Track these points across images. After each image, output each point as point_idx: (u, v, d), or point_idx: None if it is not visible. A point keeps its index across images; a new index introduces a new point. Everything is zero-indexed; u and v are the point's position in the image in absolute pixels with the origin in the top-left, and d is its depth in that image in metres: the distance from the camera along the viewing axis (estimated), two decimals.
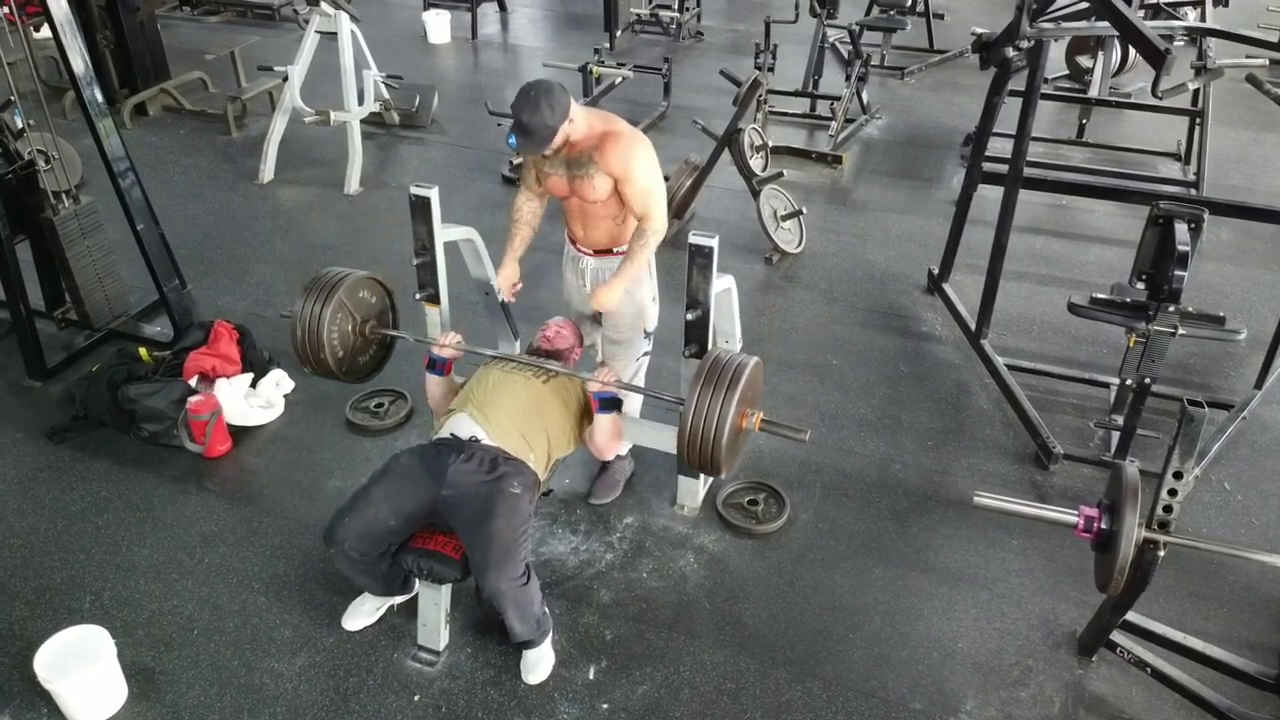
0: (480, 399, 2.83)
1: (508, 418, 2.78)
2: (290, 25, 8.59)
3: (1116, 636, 2.74)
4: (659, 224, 2.95)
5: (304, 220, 5.37)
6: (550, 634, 2.78)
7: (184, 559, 3.16)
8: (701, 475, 3.29)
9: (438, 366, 3.02)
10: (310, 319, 2.88)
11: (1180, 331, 3.10)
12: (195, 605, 2.99)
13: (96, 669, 2.60)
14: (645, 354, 3.30)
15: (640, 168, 2.87)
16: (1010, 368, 3.98)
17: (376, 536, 2.63)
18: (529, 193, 3.17)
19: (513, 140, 2.78)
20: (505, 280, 3.24)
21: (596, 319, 3.29)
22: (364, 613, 2.91)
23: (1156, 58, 2.87)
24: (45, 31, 4.73)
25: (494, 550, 2.52)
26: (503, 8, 9.31)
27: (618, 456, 3.48)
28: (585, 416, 2.96)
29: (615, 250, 3.10)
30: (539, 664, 2.76)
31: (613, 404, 2.88)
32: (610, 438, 2.93)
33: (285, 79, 5.75)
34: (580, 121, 2.85)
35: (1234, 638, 2.89)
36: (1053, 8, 3.88)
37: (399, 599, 2.93)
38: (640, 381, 3.33)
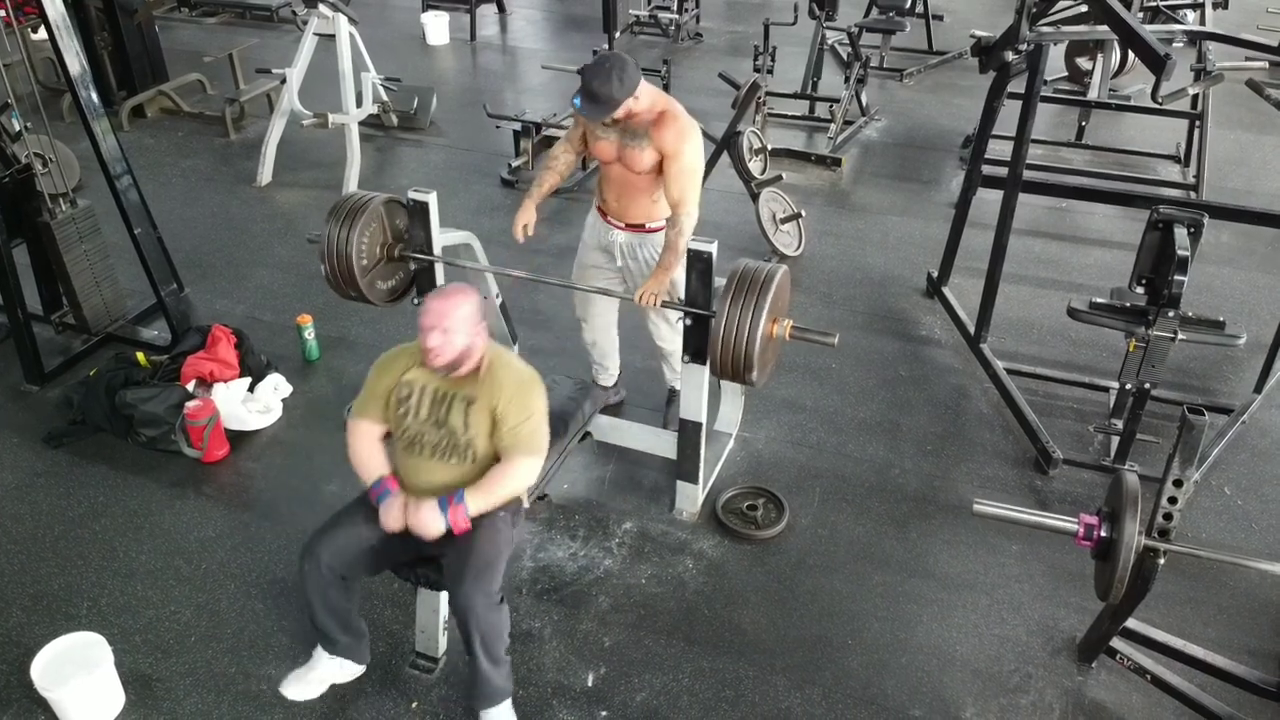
0: (410, 486, 2.56)
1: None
2: (288, 27, 8.58)
3: (1116, 643, 2.74)
4: (692, 209, 3.05)
5: (302, 223, 5.34)
6: (511, 694, 2.56)
7: (181, 565, 3.15)
8: (700, 480, 3.28)
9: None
10: (340, 234, 3.00)
11: (1180, 337, 3.09)
12: (193, 611, 2.98)
13: (94, 676, 2.59)
14: None
15: (690, 149, 3.01)
16: (1010, 372, 3.97)
17: (355, 555, 2.51)
18: (569, 145, 3.28)
19: (578, 103, 2.90)
20: (521, 222, 3.22)
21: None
22: (308, 681, 2.66)
23: (1157, 64, 2.86)
24: (43, 33, 4.72)
25: (473, 560, 2.43)
26: (501, 9, 9.30)
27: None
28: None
29: (648, 226, 3.20)
30: None
31: None
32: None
33: (283, 81, 5.75)
34: (645, 97, 2.97)
35: (1234, 644, 2.88)
36: (1052, 11, 3.88)
37: (350, 669, 2.68)
38: None
